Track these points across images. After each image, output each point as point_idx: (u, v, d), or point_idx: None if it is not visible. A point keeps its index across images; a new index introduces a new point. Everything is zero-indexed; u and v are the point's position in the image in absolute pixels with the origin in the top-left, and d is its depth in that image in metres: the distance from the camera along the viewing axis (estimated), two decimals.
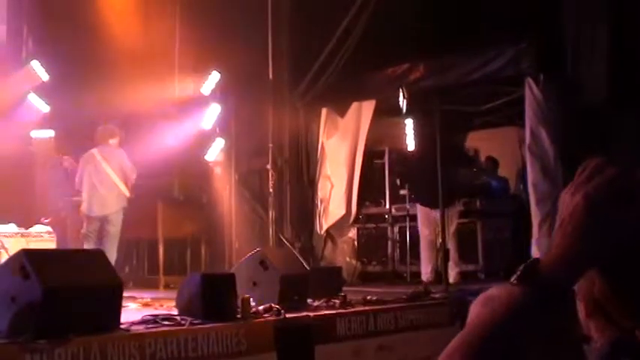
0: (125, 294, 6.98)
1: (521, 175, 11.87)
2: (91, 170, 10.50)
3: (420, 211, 11.39)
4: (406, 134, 12.50)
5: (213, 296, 6.07)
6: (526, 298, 1.17)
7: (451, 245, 10.95)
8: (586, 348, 1.34)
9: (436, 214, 10.77)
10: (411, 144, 12.51)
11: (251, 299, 6.41)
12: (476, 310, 1.21)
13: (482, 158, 13.36)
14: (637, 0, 9.42)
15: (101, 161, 10.47)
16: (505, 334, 1.17)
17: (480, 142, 13.25)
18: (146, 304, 7.57)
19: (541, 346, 1.19)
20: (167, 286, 10.35)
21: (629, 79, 9.47)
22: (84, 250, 8.40)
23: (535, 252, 9.91)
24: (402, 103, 10.59)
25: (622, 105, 9.63)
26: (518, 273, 1.21)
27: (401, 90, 10.57)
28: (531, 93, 10.10)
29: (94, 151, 10.57)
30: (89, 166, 10.52)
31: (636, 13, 9.41)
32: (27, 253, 5.02)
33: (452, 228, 11.07)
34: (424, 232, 11.32)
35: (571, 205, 1.20)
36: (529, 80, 10.12)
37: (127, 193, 10.54)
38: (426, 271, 11.19)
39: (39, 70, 11.83)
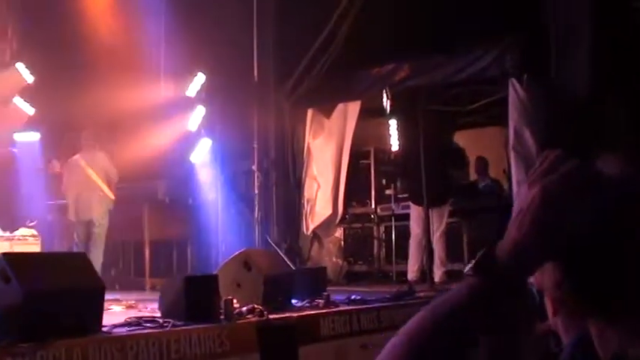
0: (111, 296, 7.03)
1: (508, 175, 11.92)
2: (74, 176, 10.53)
3: (413, 209, 11.41)
4: (390, 135, 12.56)
5: (195, 298, 6.09)
6: (481, 288, 1.20)
7: (440, 244, 11.00)
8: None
9: (429, 213, 10.89)
10: (395, 144, 12.57)
11: (234, 300, 6.44)
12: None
13: (468, 158, 13.38)
14: None
15: (85, 167, 10.52)
16: (460, 323, 1.20)
17: (465, 142, 13.27)
18: (130, 306, 7.57)
19: (495, 338, 1.21)
20: (153, 288, 10.36)
21: (612, 77, 9.54)
22: (66, 253, 8.42)
23: None
24: (386, 104, 10.65)
25: (605, 104, 9.70)
26: (474, 263, 1.22)
27: (385, 91, 10.64)
28: (515, 93, 10.16)
29: (77, 157, 10.61)
30: (73, 172, 10.56)
31: (619, 11, 9.48)
32: (7, 257, 5.03)
33: (442, 227, 11.11)
34: (415, 230, 11.34)
35: (529, 197, 1.21)
36: (513, 81, 10.17)
37: (112, 196, 10.57)
38: (412, 270, 11.23)
39: (24, 72, 11.81)
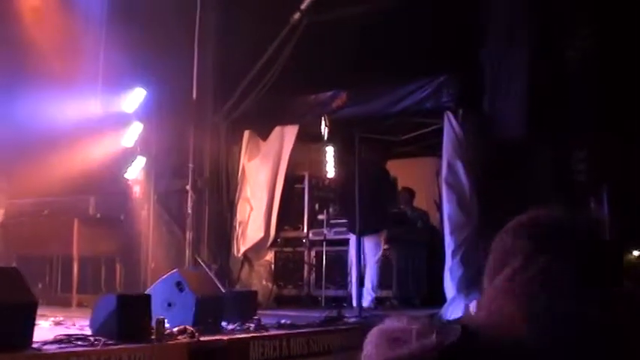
0: (37, 312, 6.90)
1: (438, 205, 12.11)
2: None
3: (353, 237, 11.49)
4: (327, 161, 12.69)
5: (127, 317, 6.06)
6: None
7: (373, 272, 11.12)
8: None
9: (367, 241, 11.14)
10: (331, 170, 12.71)
11: (165, 320, 6.42)
12: (380, 350, 1.20)
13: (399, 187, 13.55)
14: (556, 36, 9.77)
15: None
16: None
17: (398, 172, 13.46)
18: (58, 323, 7.47)
19: None
20: (80, 305, 10.23)
21: (546, 114, 9.82)
22: None
23: (448, 280, 10.15)
24: (324, 130, 10.77)
25: (538, 139, 9.98)
26: (457, 339, 1.15)
27: (323, 118, 10.75)
28: (450, 126, 10.37)
29: None
30: None
31: (555, 49, 9.77)
32: None
33: (376, 256, 11.23)
34: (354, 258, 11.44)
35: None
36: (448, 114, 10.39)
37: None
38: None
39: None
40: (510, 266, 1.21)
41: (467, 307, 9.22)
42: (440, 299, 10.45)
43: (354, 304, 10.77)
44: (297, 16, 11.27)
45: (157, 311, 6.57)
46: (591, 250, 1.21)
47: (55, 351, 5.28)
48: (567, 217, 1.25)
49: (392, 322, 1.21)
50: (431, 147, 12.55)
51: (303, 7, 11.24)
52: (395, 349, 1.18)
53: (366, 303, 10.84)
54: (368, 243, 11.19)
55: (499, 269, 1.24)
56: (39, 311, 7.52)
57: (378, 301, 11.37)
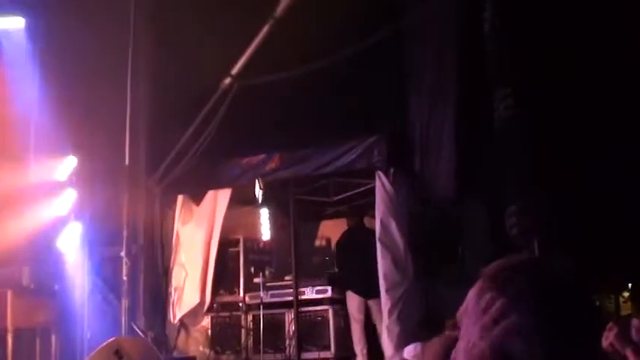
0: None
1: None
2: None
3: (352, 299, 11.54)
4: (261, 223, 12.78)
5: None
6: None
7: None
8: None
9: (369, 301, 11.31)
10: (265, 233, 12.79)
11: None
12: None
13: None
14: (482, 97, 10.06)
15: None
16: None
17: (332, 232, 13.57)
18: None
19: None
20: None
21: (476, 174, 10.08)
22: None
23: (385, 338, 10.26)
24: (258, 194, 10.87)
25: (468, 198, 10.22)
26: None
27: (257, 181, 10.86)
28: (382, 186, 10.57)
29: None
30: None
31: (481, 109, 10.06)
32: None
33: None
34: (357, 316, 11.47)
35: (479, 350, 1.37)
36: (379, 173, 10.60)
37: None
38: (362, 352, 11.36)
39: None
40: (489, 316, 1.40)
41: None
42: (378, 357, 10.53)
43: None
44: (227, 81, 11.40)
45: None
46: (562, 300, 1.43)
47: None
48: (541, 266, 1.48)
49: None
50: (364, 207, 12.71)
51: (233, 72, 11.39)
52: None
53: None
54: (376, 305, 11.17)
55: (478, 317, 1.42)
56: None
57: None
